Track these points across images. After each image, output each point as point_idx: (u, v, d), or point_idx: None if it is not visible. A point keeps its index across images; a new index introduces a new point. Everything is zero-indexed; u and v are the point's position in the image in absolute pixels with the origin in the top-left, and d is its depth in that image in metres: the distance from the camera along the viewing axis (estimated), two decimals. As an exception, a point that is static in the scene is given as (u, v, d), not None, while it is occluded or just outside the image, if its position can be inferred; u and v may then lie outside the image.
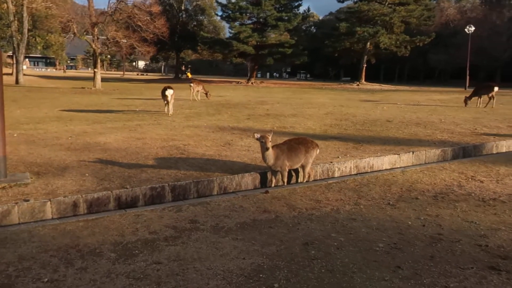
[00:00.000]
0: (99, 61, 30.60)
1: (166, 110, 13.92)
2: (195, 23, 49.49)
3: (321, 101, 19.54)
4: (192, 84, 18.90)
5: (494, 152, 8.78)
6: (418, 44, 39.86)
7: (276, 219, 4.70)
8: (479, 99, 17.87)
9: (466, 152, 8.35)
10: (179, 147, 8.08)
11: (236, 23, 41.42)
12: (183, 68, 55.93)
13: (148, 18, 29.21)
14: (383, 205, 5.20)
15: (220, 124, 11.36)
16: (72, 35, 28.81)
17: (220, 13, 44.19)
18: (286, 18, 41.17)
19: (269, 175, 6.30)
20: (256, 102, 18.54)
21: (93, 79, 30.71)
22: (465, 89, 36.48)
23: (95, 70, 30.60)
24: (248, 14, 41.46)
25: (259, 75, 71.82)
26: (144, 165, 6.65)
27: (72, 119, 12.13)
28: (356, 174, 6.99)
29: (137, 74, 77.66)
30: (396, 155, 7.50)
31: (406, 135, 9.80)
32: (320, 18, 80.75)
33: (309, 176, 6.39)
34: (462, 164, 7.32)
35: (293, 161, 6.11)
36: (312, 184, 6.08)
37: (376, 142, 8.76)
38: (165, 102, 13.90)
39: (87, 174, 6.08)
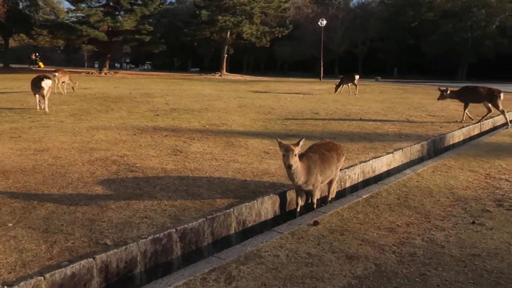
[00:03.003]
0: None
1: (39, 107, 10.71)
2: (27, 3, 42.19)
3: (211, 93, 17.84)
4: (56, 74, 15.29)
5: (451, 143, 8.44)
6: (277, 35, 40.63)
7: (383, 271, 3.11)
8: (343, 86, 19.76)
9: (436, 145, 7.77)
10: (116, 160, 5.71)
11: (83, 5, 36.33)
12: (33, 57, 47.47)
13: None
14: (469, 225, 4.01)
15: (131, 123, 8.94)
16: None
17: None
18: (141, 2, 37.67)
19: (289, 195, 4.58)
20: (139, 94, 15.93)
21: None
22: (320, 79, 38.64)
23: None
24: (97, -5, 36.78)
25: (95, 65, 66.02)
26: (94, 196, 4.29)
27: None
28: (365, 181, 5.72)
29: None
30: (391, 155, 6.44)
31: (358, 129, 8.91)
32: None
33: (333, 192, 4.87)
34: (457, 160, 6.61)
35: (325, 175, 4.50)
36: (347, 204, 4.57)
37: (342, 139, 7.59)
38: (39, 96, 10.67)
39: (10, 224, 3.54)
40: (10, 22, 39.95)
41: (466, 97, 10.37)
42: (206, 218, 3.73)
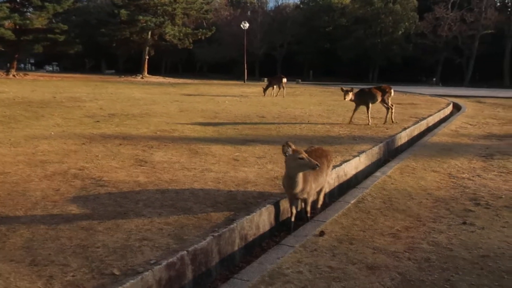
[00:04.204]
0: None
1: (-45, 114, 9.44)
2: None
3: (143, 96, 17.06)
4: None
5: (399, 144, 8.81)
6: (200, 37, 40.08)
7: (409, 280, 3.08)
8: (273, 89, 19.88)
9: (389, 147, 8.06)
10: (77, 174, 5.14)
11: (-14, 1, 32.96)
12: None
13: None
14: (461, 225, 4.14)
15: (72, 131, 8.20)
16: None
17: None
18: (54, -2, 35.05)
19: (281, 205, 4.41)
20: (65, 99, 14.76)
21: None
22: (244, 81, 38.87)
23: None
24: (2, -10, 33.50)
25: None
26: (72, 216, 3.79)
27: None
28: (339, 186, 5.73)
29: None
30: (357, 158, 6.53)
31: (312, 132, 8.98)
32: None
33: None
34: (416, 161, 6.88)
35: (318, 182, 4.40)
36: (340, 211, 4.51)
37: (301, 143, 7.56)
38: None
39: (-14, 258, 2.98)
40: None
41: (362, 98, 10.58)
42: (213, 236, 3.43)
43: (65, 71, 59.03)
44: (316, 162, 3.87)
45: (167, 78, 40.55)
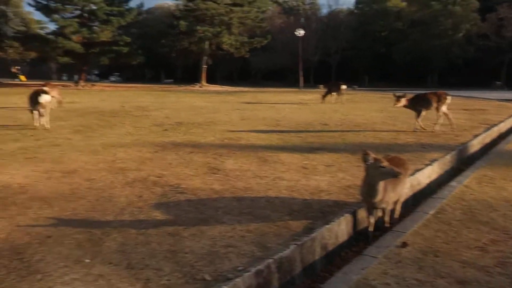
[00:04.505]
0: None
1: (38, 123, 10.14)
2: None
3: (205, 105, 17.52)
4: (45, 89, 14.61)
5: (472, 151, 8.44)
6: (256, 45, 40.64)
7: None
8: (331, 95, 19.58)
9: (461, 155, 7.75)
10: (156, 181, 5.37)
11: (57, 16, 35.28)
12: (14, 70, 45.57)
13: None
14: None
15: (144, 139, 8.57)
16: None
17: (32, 3, 36.77)
18: (117, 12, 36.92)
19: (358, 214, 4.37)
20: (132, 108, 15.47)
21: None
22: (300, 89, 38.83)
23: None
24: (72, 6, 35.75)
25: (64, 78, 64.25)
26: (157, 222, 3.97)
27: None
28: (413, 195, 5.58)
29: None
30: (430, 166, 6.33)
31: (378, 140, 8.81)
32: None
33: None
34: (493, 170, 6.56)
35: (396, 191, 4.32)
36: (420, 222, 4.39)
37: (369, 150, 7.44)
38: (37, 111, 10.12)
39: (87, 260, 3.19)
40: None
41: (417, 103, 10.13)
42: (296, 244, 3.47)
43: (127, 81, 61.77)
44: (399, 170, 3.81)
45: (224, 86, 41.31)
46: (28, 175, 5.59)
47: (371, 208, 4.21)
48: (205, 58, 41.41)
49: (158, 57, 50.33)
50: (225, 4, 38.86)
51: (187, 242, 3.55)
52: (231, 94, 28.08)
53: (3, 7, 41.02)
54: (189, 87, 38.62)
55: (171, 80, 63.26)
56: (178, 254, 3.33)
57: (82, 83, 36.60)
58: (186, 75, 59.61)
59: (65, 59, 35.95)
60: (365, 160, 3.95)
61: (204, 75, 41.71)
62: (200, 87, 38.91)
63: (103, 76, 77.31)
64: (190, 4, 38.59)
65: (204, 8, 36.96)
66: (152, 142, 8.18)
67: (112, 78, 74.33)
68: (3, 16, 41.43)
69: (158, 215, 4.19)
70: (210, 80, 49.69)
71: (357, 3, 62.95)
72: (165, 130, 9.90)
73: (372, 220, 4.26)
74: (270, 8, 66.47)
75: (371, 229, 4.25)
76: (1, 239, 3.57)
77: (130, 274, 3.02)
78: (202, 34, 37.42)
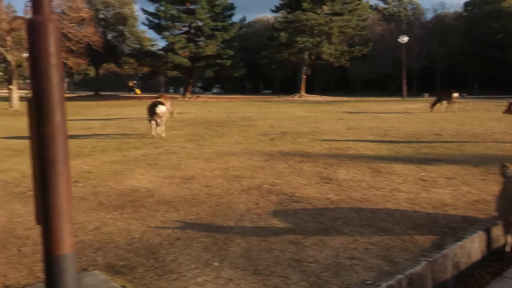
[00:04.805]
0: (16, 76, 25.64)
1: (154, 132, 10.89)
2: (115, 34, 45.03)
3: (307, 115, 17.56)
4: (161, 100, 15.76)
5: None
6: (356, 54, 39.95)
7: None
8: (442, 104, 18.51)
9: None
10: (271, 189, 5.44)
11: (168, 33, 38.05)
12: (131, 84, 50.68)
13: (75, 25, 25.10)
14: None
15: (253, 148, 8.78)
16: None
17: (146, 22, 40.15)
18: (221, 27, 38.78)
19: (492, 232, 3.99)
20: (237, 118, 16.00)
21: (8, 98, 25.66)
22: (403, 97, 37.19)
23: (11, 87, 25.59)
24: (180, 23, 38.35)
25: (171, 90, 68.34)
26: (277, 230, 3.98)
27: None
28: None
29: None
30: None
31: (502, 151, 8.07)
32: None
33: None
34: None
35: (539, 208, 3.87)
36: None
37: (492, 163, 6.81)
38: (155, 121, 10.89)
39: (216, 263, 3.29)
40: (102, 52, 42.72)
41: None
42: (427, 261, 3.25)
43: (228, 93, 64.33)
44: None
45: (323, 96, 41.07)
46: (153, 180, 6.00)
47: (508, 225, 3.82)
48: (304, 68, 41.59)
49: (258, 68, 51.75)
50: (325, 14, 38.80)
51: (309, 252, 3.51)
52: (331, 104, 27.79)
53: (121, 27, 45.37)
54: (288, 98, 39.03)
55: (270, 91, 64.60)
56: (303, 263, 3.30)
57: (188, 95, 38.87)
58: (284, 86, 60.50)
59: (174, 73, 38.61)
60: (504, 173, 3.60)
61: (303, 86, 41.88)
62: (299, 97, 39.15)
63: (206, 88, 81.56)
64: (290, 16, 39.14)
65: (304, 19, 37.21)
66: (260, 151, 8.34)
67: (214, 90, 77.99)
68: (121, 36, 45.71)
69: (277, 222, 4.22)
70: (308, 90, 49.82)
71: (466, 5, 58.91)
72: (272, 139, 10.05)
73: (510, 239, 3.86)
74: (370, 16, 64.93)
75: (507, 249, 3.85)
76: (136, 238, 3.84)
77: (258, 280, 3.05)
78: (302, 45, 37.68)
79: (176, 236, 3.87)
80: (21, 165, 7.21)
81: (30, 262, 3.34)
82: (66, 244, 2.59)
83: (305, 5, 37.06)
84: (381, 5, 69.06)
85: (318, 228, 4.04)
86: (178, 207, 4.70)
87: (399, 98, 35.91)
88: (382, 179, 5.94)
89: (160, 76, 57.80)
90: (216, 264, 3.29)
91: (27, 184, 5.85)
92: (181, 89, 75.41)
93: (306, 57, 40.39)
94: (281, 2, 41.10)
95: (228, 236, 3.85)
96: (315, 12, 38.57)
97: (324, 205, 4.76)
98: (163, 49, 38.77)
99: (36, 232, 3.93)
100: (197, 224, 4.20)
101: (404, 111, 18.97)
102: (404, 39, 37.58)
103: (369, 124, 13.09)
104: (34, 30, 2.46)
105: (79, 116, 18.84)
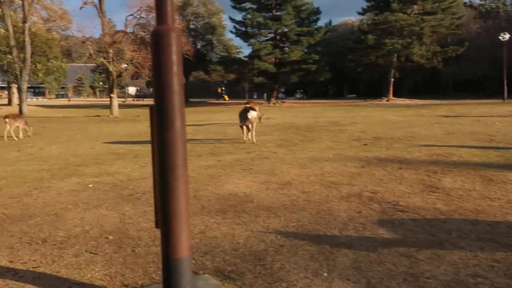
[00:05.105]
0: (115, 85, 27.70)
1: (246, 138, 11.05)
2: (204, 43, 46.95)
3: (398, 119, 16.83)
4: (253, 106, 16.06)
5: None
6: (450, 54, 37.62)
7: None
8: None
9: None
10: (372, 197, 5.21)
11: (254, 40, 38.82)
12: (220, 91, 52.98)
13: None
14: None
15: (346, 153, 8.54)
16: (88, 57, 25.89)
17: (233, 31, 41.33)
18: (307, 32, 38.67)
19: None
20: (325, 123, 15.76)
21: (109, 105, 27.81)
22: (504, 99, 34.24)
23: (112, 96, 27.71)
24: (266, 30, 38.94)
25: (255, 96, 69.18)
26: (385, 241, 3.77)
27: (137, 156, 9.23)
28: None
29: (133, 100, 74.50)
30: None
31: None
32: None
33: None
34: None
35: None
36: None
37: None
38: (246, 127, 11.06)
39: (325, 274, 3.17)
40: (192, 60, 44.78)
41: None
42: None
43: (311, 98, 63.89)
44: None
45: (412, 99, 39.17)
46: (249, 185, 6.04)
47: None
48: (392, 71, 40.01)
49: (342, 72, 50.75)
50: (415, 14, 37.04)
51: (425, 266, 3.27)
52: (423, 107, 26.40)
53: (209, 36, 47.18)
54: (375, 101, 37.80)
55: (354, 95, 63.07)
56: (419, 278, 3.07)
57: (273, 100, 39.25)
58: (369, 90, 58.67)
59: (259, 79, 39.19)
60: None
61: (391, 89, 40.30)
62: (387, 100, 37.72)
63: (288, 93, 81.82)
64: (378, 17, 37.93)
65: (393, 20, 35.82)
66: (355, 157, 8.08)
67: (297, 95, 78.03)
68: (209, 44, 47.50)
69: (384, 233, 4.00)
70: (396, 93, 47.84)
71: None
72: (365, 144, 9.73)
73: None
74: (465, 13, 60.80)
75: None
76: (240, 243, 3.85)
77: None
78: (391, 47, 36.29)
79: (280, 243, 3.83)
80: (126, 169, 7.67)
81: (144, 262, 3.47)
82: (184, 248, 2.64)
83: (394, 5, 35.70)
84: (476, 1, 64.37)
85: (430, 241, 3.76)
86: (278, 213, 4.66)
87: (500, 101, 33.10)
88: (495, 188, 5.43)
89: (244, 82, 59.14)
90: (325, 274, 3.18)
91: (133, 186, 6.21)
92: (265, 95, 76.56)
93: (394, 59, 38.82)
94: (368, 4, 40.02)
95: (334, 245, 3.72)
96: (404, 13, 37.00)
97: (433, 215, 4.45)
98: (249, 56, 39.58)
99: (146, 234, 4.12)
100: (300, 231, 4.12)
101: (509, 115, 17.42)
102: (506, 36, 34.58)
103: (470, 128, 12.18)
104: (158, 39, 2.55)
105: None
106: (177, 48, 2.57)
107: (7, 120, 13.49)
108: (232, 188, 5.86)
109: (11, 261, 3.56)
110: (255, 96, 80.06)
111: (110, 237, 4.05)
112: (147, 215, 4.70)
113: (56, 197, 5.70)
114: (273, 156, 8.60)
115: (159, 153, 2.59)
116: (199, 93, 66.05)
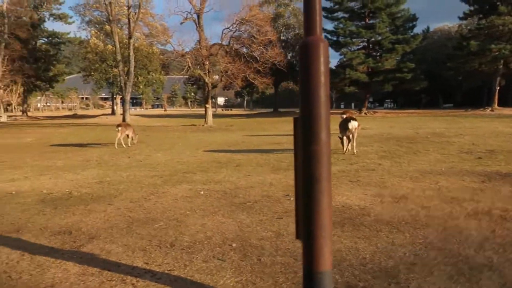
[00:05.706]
0: (210, 96, 28.85)
1: (345, 149, 10.82)
2: (294, 53, 47.16)
3: (508, 130, 15.48)
4: (353, 116, 15.79)
5: None
6: None
7: None
8: None
9: None
10: (504, 216, 4.77)
11: (345, 49, 38.28)
12: None
13: (262, 47, 27.06)
14: None
15: (460, 167, 7.96)
16: (187, 69, 27.30)
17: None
18: (402, 40, 37.24)
19: None
20: (428, 134, 14.94)
21: (204, 115, 29.01)
22: None
23: (207, 106, 28.87)
24: (359, 39, 38.23)
25: (342, 106, 67.75)
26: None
27: (239, 165, 9.42)
28: None
29: (222, 110, 77.06)
30: None
31: None
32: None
33: None
34: None
35: None
36: None
37: None
38: (346, 137, 10.83)
39: (470, 298, 2.92)
40: (284, 71, 45.33)
41: None
42: None
43: (401, 107, 61.22)
44: None
45: (520, 109, 35.88)
46: (362, 197, 5.86)
47: None
48: (498, 78, 36.96)
49: (437, 81, 48.02)
50: (525, 15, 33.96)
51: None
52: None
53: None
54: (477, 112, 35.17)
55: (451, 105, 59.38)
56: None
57: (364, 110, 38.26)
58: (467, 99, 54.80)
59: (351, 89, 38.44)
60: None
61: (496, 98, 37.24)
62: (491, 110, 34.90)
63: (377, 102, 79.20)
64: (483, 21, 35.35)
65: (500, 23, 33.13)
66: (471, 171, 7.52)
67: (386, 105, 75.44)
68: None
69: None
70: (501, 103, 44.15)
71: None
72: (479, 158, 9.03)
73: None
74: None
75: None
76: (367, 258, 3.71)
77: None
78: (497, 53, 33.56)
79: (410, 260, 3.62)
80: (232, 177, 7.86)
81: (271, 272, 3.48)
82: (327, 261, 2.59)
83: (502, 8, 33.02)
84: None
85: None
86: (401, 228, 4.44)
87: None
88: None
89: (332, 92, 58.38)
90: (470, 298, 2.94)
91: (243, 195, 6.32)
92: (352, 104, 74.75)
93: (500, 66, 35.83)
94: (470, 8, 37.51)
95: (473, 267, 3.44)
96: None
97: None
98: (340, 65, 39.03)
99: (268, 243, 4.13)
100: (429, 248, 3.87)
101: None
102: None
103: None
104: (307, 50, 2.54)
105: (266, 132, 20.08)
106: (325, 59, 2.54)
107: (119, 128, 14.54)
108: (344, 200, 5.72)
109: (147, 263, 3.75)
110: (342, 106, 78.71)
111: (234, 245, 4.12)
112: (264, 224, 4.74)
113: (173, 203, 5.96)
114: (378, 168, 8.30)
115: (304, 165, 2.56)
116: (287, 102, 66.52)
